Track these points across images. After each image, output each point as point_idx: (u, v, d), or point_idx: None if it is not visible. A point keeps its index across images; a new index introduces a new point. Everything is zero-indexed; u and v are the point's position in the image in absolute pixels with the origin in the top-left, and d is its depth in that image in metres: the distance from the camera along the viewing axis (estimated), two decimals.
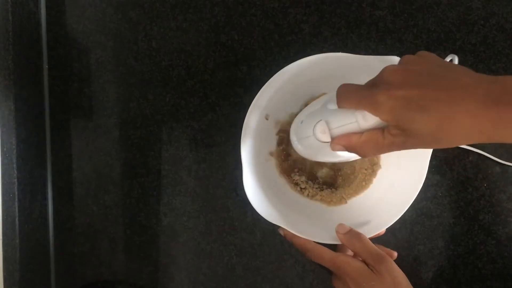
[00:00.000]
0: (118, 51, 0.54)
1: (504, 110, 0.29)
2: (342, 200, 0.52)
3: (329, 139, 0.38)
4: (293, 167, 0.52)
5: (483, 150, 0.51)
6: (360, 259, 0.45)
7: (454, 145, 0.33)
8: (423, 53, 0.35)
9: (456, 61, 0.40)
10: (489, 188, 0.52)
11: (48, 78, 0.55)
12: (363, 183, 0.52)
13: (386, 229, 0.49)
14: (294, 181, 0.52)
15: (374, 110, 0.33)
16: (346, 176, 0.52)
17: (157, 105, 0.54)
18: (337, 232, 0.46)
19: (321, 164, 0.52)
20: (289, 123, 0.51)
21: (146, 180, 0.55)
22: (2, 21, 0.49)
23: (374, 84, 0.34)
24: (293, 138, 0.43)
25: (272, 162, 0.52)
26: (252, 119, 0.46)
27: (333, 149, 0.38)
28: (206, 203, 0.54)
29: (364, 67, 0.44)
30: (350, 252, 0.48)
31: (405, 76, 0.32)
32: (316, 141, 0.39)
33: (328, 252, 0.45)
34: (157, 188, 0.55)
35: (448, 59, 0.40)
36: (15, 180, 0.49)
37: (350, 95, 0.36)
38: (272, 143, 0.51)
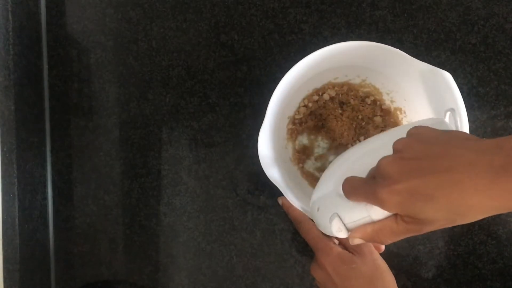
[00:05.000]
0: (118, 51, 0.54)
1: (511, 181, 0.27)
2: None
3: (345, 235, 0.39)
4: (305, 159, 0.53)
5: None
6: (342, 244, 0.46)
7: (472, 221, 0.32)
8: (413, 131, 0.34)
9: (458, 115, 0.39)
10: None
11: (48, 78, 0.55)
12: None
13: None
14: (305, 171, 0.53)
15: (380, 206, 0.33)
16: None
17: (157, 105, 0.54)
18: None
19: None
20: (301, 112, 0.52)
21: (146, 180, 0.55)
22: (2, 21, 0.49)
23: (375, 178, 0.33)
24: (317, 223, 0.44)
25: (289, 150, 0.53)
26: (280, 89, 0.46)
27: (352, 243, 0.38)
28: (206, 203, 0.54)
29: (400, 63, 0.44)
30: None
31: (401, 166, 0.31)
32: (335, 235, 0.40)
33: (316, 231, 0.45)
34: (157, 188, 0.55)
35: (446, 118, 0.40)
36: (15, 180, 0.49)
37: (355, 191, 0.36)
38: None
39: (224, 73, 0.53)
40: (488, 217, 0.52)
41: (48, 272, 0.56)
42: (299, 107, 0.52)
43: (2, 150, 0.49)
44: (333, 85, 0.51)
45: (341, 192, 0.38)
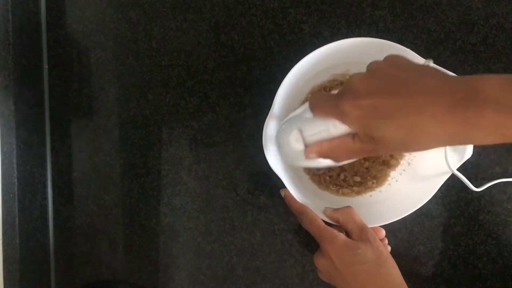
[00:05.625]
0: (118, 51, 0.54)
1: (470, 112, 0.29)
2: (349, 193, 0.52)
3: (302, 147, 0.39)
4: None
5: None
6: (345, 232, 0.46)
7: (424, 149, 0.33)
8: (390, 58, 0.35)
9: (431, 65, 0.40)
10: (489, 188, 0.52)
11: (48, 78, 0.55)
12: (373, 184, 0.52)
13: (386, 229, 0.49)
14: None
15: (341, 119, 0.34)
16: (360, 173, 0.52)
17: (157, 105, 0.54)
18: (325, 210, 0.48)
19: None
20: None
21: (146, 180, 0.55)
22: (2, 21, 0.49)
23: (342, 93, 0.34)
24: (276, 143, 0.44)
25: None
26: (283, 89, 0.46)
27: (307, 156, 0.39)
28: (206, 203, 0.54)
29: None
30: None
31: (370, 84, 0.33)
32: (292, 148, 0.40)
33: (320, 221, 0.46)
34: (157, 188, 0.55)
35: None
36: (15, 180, 0.49)
37: (320, 105, 0.37)
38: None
39: (224, 73, 0.53)
40: (488, 217, 0.52)
41: (48, 272, 0.56)
42: (304, 101, 0.51)
43: (2, 150, 0.49)
44: (340, 82, 0.51)
45: (306, 114, 0.39)
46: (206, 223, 0.54)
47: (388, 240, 0.52)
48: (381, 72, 0.33)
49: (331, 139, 0.37)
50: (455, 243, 0.53)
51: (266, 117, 0.46)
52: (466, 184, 0.49)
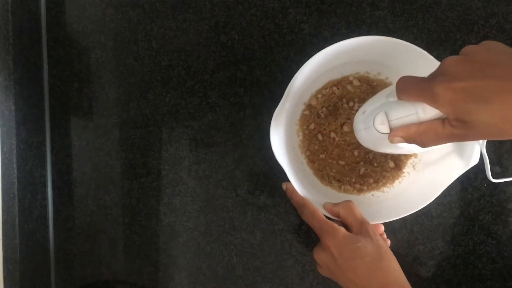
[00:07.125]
0: (118, 51, 0.54)
1: None
2: (351, 191, 0.52)
3: (388, 131, 0.38)
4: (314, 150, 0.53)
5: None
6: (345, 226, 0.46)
7: None
8: (486, 42, 0.34)
9: None
10: (489, 188, 0.52)
11: (48, 78, 0.55)
12: (380, 182, 0.52)
13: (386, 229, 0.49)
14: (312, 159, 0.53)
15: (433, 102, 0.33)
16: (368, 170, 0.52)
17: (157, 105, 0.54)
18: (324, 204, 0.48)
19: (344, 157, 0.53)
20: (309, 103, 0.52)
21: (146, 180, 0.55)
22: (2, 21, 0.49)
23: (434, 76, 0.33)
24: (356, 127, 0.43)
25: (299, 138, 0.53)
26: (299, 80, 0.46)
27: (392, 141, 0.38)
28: (206, 203, 0.54)
29: (423, 65, 0.44)
30: None
31: (465, 66, 0.31)
32: (376, 132, 0.39)
33: (320, 214, 0.46)
34: (157, 188, 0.55)
35: None
36: (15, 180, 0.49)
37: (409, 88, 0.35)
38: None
39: (224, 73, 0.53)
40: (488, 217, 0.52)
41: (48, 272, 0.56)
42: (316, 95, 0.51)
43: (2, 150, 0.49)
44: (351, 80, 0.51)
45: (390, 98, 0.37)
46: (206, 223, 0.54)
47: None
48: (476, 55, 0.32)
49: (419, 124, 0.36)
50: (455, 243, 0.53)
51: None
52: (487, 172, 0.49)
